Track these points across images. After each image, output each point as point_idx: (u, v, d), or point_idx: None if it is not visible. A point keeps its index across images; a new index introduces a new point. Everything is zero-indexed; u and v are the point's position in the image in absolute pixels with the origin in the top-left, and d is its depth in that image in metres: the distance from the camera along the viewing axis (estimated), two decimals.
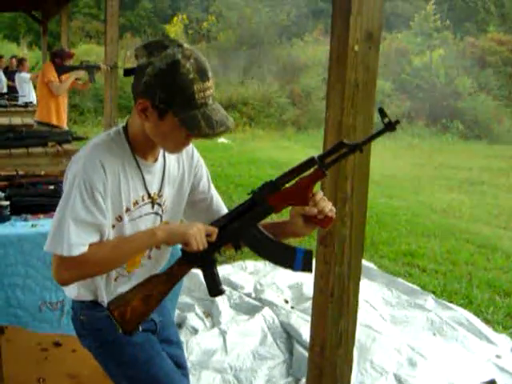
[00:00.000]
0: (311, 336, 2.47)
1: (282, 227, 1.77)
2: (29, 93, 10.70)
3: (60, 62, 6.75)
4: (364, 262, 3.17)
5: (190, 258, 1.74)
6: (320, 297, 2.37)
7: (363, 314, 3.79)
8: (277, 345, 3.63)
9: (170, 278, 1.77)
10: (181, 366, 2.05)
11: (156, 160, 1.77)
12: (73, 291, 1.83)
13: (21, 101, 9.95)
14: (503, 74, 24.95)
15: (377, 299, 4.43)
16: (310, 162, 1.59)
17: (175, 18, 28.00)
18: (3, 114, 7.98)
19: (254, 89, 21.16)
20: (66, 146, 5.08)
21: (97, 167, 1.60)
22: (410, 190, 10.27)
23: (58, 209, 1.63)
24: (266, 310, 3.99)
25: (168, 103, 1.55)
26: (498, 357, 3.67)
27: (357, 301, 2.39)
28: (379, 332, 3.79)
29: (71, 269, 1.61)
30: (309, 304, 3.68)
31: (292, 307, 4.20)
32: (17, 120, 6.93)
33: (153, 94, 1.55)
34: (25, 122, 6.82)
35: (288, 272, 4.83)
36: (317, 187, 1.63)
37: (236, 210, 1.71)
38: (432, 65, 23.30)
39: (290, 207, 1.69)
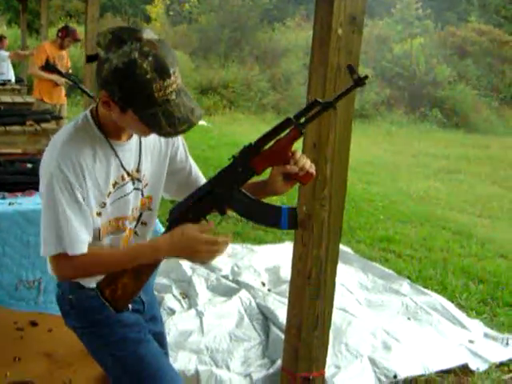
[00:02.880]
0: (288, 318, 2.50)
1: (263, 187, 1.77)
2: (7, 71, 10.54)
3: (63, 36, 6.74)
4: (341, 247, 3.19)
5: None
6: (297, 278, 2.39)
7: (339, 298, 3.82)
8: (253, 327, 3.65)
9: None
10: (162, 344, 2.06)
11: (130, 137, 1.74)
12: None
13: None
14: (483, 64, 25.08)
15: (353, 283, 4.47)
16: (286, 123, 1.62)
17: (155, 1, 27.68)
18: None
19: (234, 72, 21.05)
20: (45, 125, 5.04)
21: (73, 165, 1.59)
22: (388, 176, 10.34)
23: (45, 213, 1.63)
24: (243, 292, 4.01)
25: (126, 102, 1.52)
26: (470, 342, 3.74)
27: (334, 283, 2.42)
28: (355, 315, 3.83)
29: (77, 268, 1.65)
30: (285, 287, 3.71)
31: (269, 290, 4.22)
32: None
33: (111, 90, 1.52)
34: (3, 100, 6.75)
35: (265, 255, 4.87)
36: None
37: (218, 175, 1.69)
38: (412, 53, 23.34)
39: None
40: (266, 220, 1.70)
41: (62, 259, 1.62)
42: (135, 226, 1.85)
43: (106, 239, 1.77)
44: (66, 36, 6.79)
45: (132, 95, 1.50)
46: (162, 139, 1.83)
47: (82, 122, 1.68)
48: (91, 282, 1.77)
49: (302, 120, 1.63)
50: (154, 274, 2.07)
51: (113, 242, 1.79)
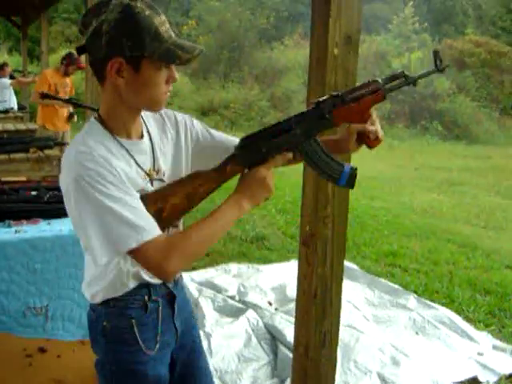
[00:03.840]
0: (295, 337, 2.50)
1: (334, 144, 1.73)
2: (10, 99, 10.62)
3: (67, 64, 6.81)
4: (346, 263, 3.20)
5: (247, 159, 1.63)
6: (303, 298, 2.39)
7: (346, 315, 3.83)
8: (261, 346, 3.66)
9: (220, 177, 1.63)
10: (200, 369, 1.96)
11: (142, 136, 1.65)
12: (98, 295, 1.69)
13: (1, 106, 9.88)
14: (481, 75, 25.17)
15: (359, 299, 4.47)
16: (373, 84, 1.63)
17: None
18: None
19: (234, 92, 21.18)
20: (48, 152, 5.08)
21: (95, 159, 1.45)
22: (391, 191, 10.35)
23: (86, 221, 1.45)
24: (250, 312, 4.02)
25: (140, 47, 1.46)
26: (479, 354, 3.73)
27: (340, 301, 2.42)
28: (362, 332, 3.83)
29: (169, 250, 1.46)
30: (292, 305, 3.71)
31: (276, 309, 4.22)
32: None
33: (120, 47, 1.46)
34: (6, 128, 6.80)
35: (271, 274, 4.87)
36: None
37: (299, 117, 1.63)
38: (411, 67, 23.43)
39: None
40: (328, 172, 1.65)
41: (148, 247, 1.45)
42: (168, 230, 1.68)
43: None
44: (70, 64, 6.86)
45: (141, 37, 1.45)
46: (175, 136, 1.76)
47: (89, 127, 1.57)
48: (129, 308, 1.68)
49: (388, 86, 1.65)
50: (189, 301, 1.97)
51: None
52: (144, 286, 1.70)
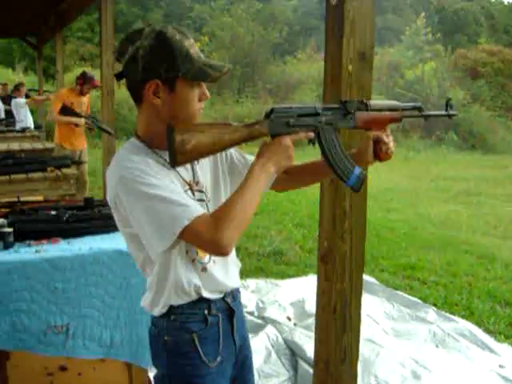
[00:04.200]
0: (315, 352, 2.50)
1: (353, 155, 1.80)
2: (26, 118, 10.75)
3: (82, 83, 6.89)
4: (364, 277, 3.19)
5: (274, 127, 1.69)
6: (323, 314, 2.39)
7: (366, 329, 3.82)
8: (281, 362, 3.65)
9: (247, 135, 1.69)
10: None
11: None
12: (159, 304, 1.74)
13: (18, 126, 10.00)
14: (495, 85, 25.12)
15: (379, 313, 4.45)
16: (394, 106, 1.82)
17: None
18: (1, 139, 8.03)
19: (249, 107, 21.27)
20: (66, 171, 5.12)
21: (137, 162, 1.58)
22: (408, 203, 10.31)
23: (138, 215, 1.55)
24: (270, 328, 4.01)
25: (174, 69, 1.59)
26: (501, 366, 3.70)
27: (359, 316, 2.41)
28: (382, 346, 3.81)
29: (218, 223, 1.50)
30: (311, 320, 3.71)
31: (295, 324, 4.21)
32: (15, 145, 6.98)
33: (156, 70, 1.59)
34: (23, 147, 6.87)
35: (289, 289, 4.87)
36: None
37: (326, 107, 1.75)
38: (424, 77, 23.42)
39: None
40: (339, 169, 1.73)
41: (198, 223, 1.50)
42: None
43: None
44: (84, 83, 6.93)
45: (175, 60, 1.59)
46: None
47: (129, 144, 1.69)
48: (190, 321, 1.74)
49: (405, 113, 1.83)
50: (245, 318, 2.01)
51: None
52: (204, 300, 1.75)
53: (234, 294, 1.89)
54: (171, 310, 1.74)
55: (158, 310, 1.76)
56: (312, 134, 1.71)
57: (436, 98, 22.47)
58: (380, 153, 1.78)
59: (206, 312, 1.76)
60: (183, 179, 1.70)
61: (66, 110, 6.66)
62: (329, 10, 2.23)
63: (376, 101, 1.80)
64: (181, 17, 35.42)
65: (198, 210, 1.54)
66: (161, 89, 1.61)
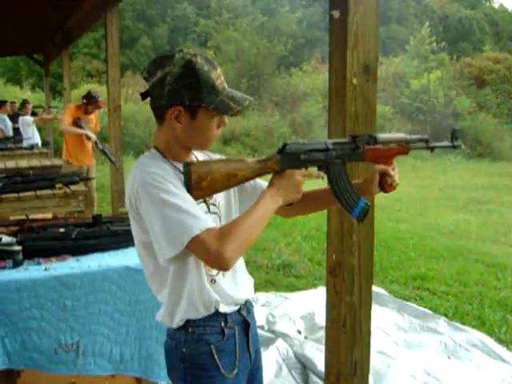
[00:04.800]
0: (326, 366, 2.49)
1: (359, 185, 1.88)
2: (33, 135, 10.80)
3: (86, 104, 6.93)
4: (374, 288, 3.20)
5: (286, 162, 1.75)
6: (332, 327, 2.39)
7: (376, 341, 3.79)
8: (292, 376, 3.63)
9: (259, 169, 1.75)
10: None
11: None
12: (177, 316, 1.78)
13: (25, 143, 10.05)
14: (501, 92, 25.10)
15: (389, 325, 4.43)
16: (402, 140, 1.86)
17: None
18: (9, 157, 8.07)
19: (255, 120, 21.31)
20: (74, 187, 5.14)
21: (155, 166, 1.66)
22: (416, 212, 10.28)
23: (153, 219, 1.61)
24: (280, 342, 4.00)
25: (198, 99, 1.66)
26: None
27: (369, 329, 2.41)
28: (393, 358, 3.79)
29: (224, 238, 1.56)
30: (322, 333, 3.69)
31: (305, 337, 4.20)
32: (23, 163, 7.02)
33: (181, 97, 1.66)
34: (31, 164, 6.90)
35: (299, 302, 4.85)
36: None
37: (337, 142, 1.82)
38: (430, 86, 23.43)
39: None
40: (345, 201, 1.82)
41: (206, 235, 1.56)
42: None
43: None
44: (88, 104, 6.96)
45: (200, 90, 1.66)
46: None
47: (150, 154, 1.76)
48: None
49: (412, 145, 1.88)
50: (257, 333, 2.04)
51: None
52: (220, 313, 1.80)
53: (248, 307, 1.94)
54: (188, 323, 1.78)
55: (175, 322, 1.79)
56: (321, 174, 1.80)
57: (442, 107, 22.48)
58: (385, 185, 1.85)
59: (222, 324, 1.81)
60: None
61: (79, 122, 6.72)
62: (332, 23, 2.24)
63: (384, 134, 1.86)
64: (186, 31, 35.63)
65: (209, 223, 1.60)
66: (183, 115, 1.68)
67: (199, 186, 1.66)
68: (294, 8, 35.33)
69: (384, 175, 1.84)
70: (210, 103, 1.66)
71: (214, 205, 1.82)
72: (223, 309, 1.80)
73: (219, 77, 1.71)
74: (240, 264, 1.91)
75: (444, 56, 27.68)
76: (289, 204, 1.78)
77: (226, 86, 1.73)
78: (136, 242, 1.79)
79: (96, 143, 6.80)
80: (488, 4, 44.72)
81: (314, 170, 1.81)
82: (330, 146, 1.79)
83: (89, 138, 6.87)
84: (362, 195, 1.84)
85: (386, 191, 1.87)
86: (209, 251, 1.55)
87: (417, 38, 28.11)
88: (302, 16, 35.80)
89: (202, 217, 1.60)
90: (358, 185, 1.88)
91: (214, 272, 1.78)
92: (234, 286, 1.85)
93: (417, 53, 27.40)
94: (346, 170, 1.81)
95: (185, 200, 1.60)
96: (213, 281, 1.78)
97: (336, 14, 2.20)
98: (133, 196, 1.67)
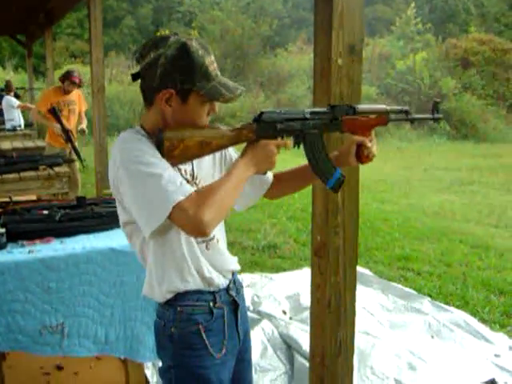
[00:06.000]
0: (311, 347, 2.50)
1: (336, 157, 1.89)
2: (18, 118, 10.66)
3: (63, 81, 6.84)
4: (359, 268, 3.22)
5: (262, 132, 1.75)
6: (317, 308, 2.39)
7: (361, 321, 3.82)
8: (277, 356, 3.66)
9: (234, 138, 1.74)
10: (244, 380, 2.06)
11: None
12: (162, 288, 1.77)
13: (9, 125, 9.95)
14: (486, 73, 25.13)
15: (374, 305, 4.46)
16: (381, 110, 1.86)
17: (158, 34, 28.03)
18: None
19: (240, 101, 21.18)
20: (58, 169, 5.10)
21: (132, 140, 1.65)
22: (401, 193, 10.33)
23: (135, 194, 1.60)
24: (265, 323, 4.02)
25: (190, 82, 1.64)
26: (496, 356, 3.72)
27: (354, 309, 2.42)
28: (378, 338, 3.83)
29: (201, 202, 1.55)
30: (307, 314, 3.71)
31: (290, 318, 4.22)
32: (6, 144, 6.96)
33: (173, 80, 1.64)
34: (14, 146, 6.84)
35: (284, 283, 4.87)
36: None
37: (314, 112, 1.81)
38: (415, 68, 23.43)
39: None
40: (321, 171, 1.81)
41: (185, 203, 1.54)
42: None
43: None
44: (64, 80, 6.85)
45: (193, 74, 1.64)
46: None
47: (131, 129, 1.75)
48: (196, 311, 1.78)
49: (392, 116, 1.87)
50: (247, 313, 2.06)
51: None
52: (208, 292, 1.81)
53: (238, 287, 1.95)
54: (177, 298, 1.77)
55: (160, 296, 1.78)
56: (290, 143, 1.79)
57: (427, 88, 22.51)
58: (362, 156, 1.85)
59: (211, 304, 1.81)
60: (178, 169, 1.75)
61: (53, 111, 6.56)
62: (317, 3, 2.22)
63: (364, 105, 1.86)
64: (170, 11, 35.30)
65: (189, 188, 1.60)
66: (173, 98, 1.66)
67: (171, 153, 1.64)
68: None
69: (361, 146, 1.83)
70: (201, 88, 1.65)
71: (192, 179, 1.80)
72: (209, 274, 1.79)
73: (213, 63, 1.69)
74: (222, 240, 1.91)
75: (430, 37, 27.63)
76: (263, 173, 1.80)
77: (219, 74, 1.71)
78: (121, 222, 1.78)
79: (65, 138, 6.67)
80: None
81: (290, 140, 1.80)
82: (308, 116, 1.79)
83: (59, 134, 6.71)
84: (340, 166, 1.83)
85: (362, 162, 1.87)
86: (188, 216, 1.54)
87: (403, 18, 28.02)
88: None
89: (183, 183, 1.60)
90: (334, 156, 1.88)
91: (199, 240, 1.77)
92: (220, 256, 1.85)
93: (403, 33, 27.34)
94: (322, 140, 1.81)
95: (164, 168, 1.59)
96: (197, 250, 1.77)
97: None
98: (113, 174, 1.66)
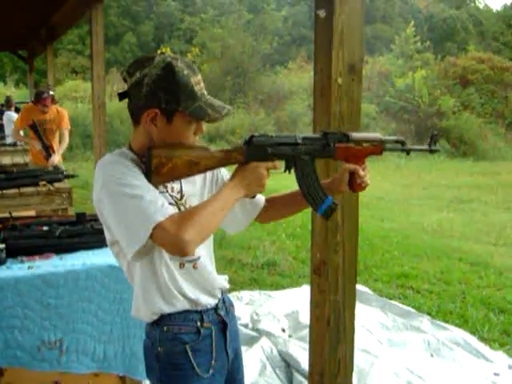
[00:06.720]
0: (310, 365, 2.49)
1: (328, 184, 1.87)
2: None
3: (35, 102, 6.59)
4: (358, 287, 3.21)
5: (252, 155, 1.73)
6: (317, 326, 2.39)
7: (360, 339, 3.81)
8: (276, 374, 3.64)
9: (222, 160, 1.73)
10: None
11: None
12: (147, 311, 1.77)
13: (10, 140, 9.96)
14: (485, 91, 25.25)
15: (373, 323, 4.45)
16: (376, 140, 1.84)
17: (159, 51, 28.17)
18: None
19: (240, 118, 21.29)
20: (58, 185, 5.12)
21: (115, 162, 1.64)
22: (400, 211, 10.33)
23: (116, 216, 1.59)
24: (264, 340, 4.00)
25: (175, 102, 1.63)
26: (496, 374, 3.71)
27: (353, 327, 2.41)
28: (377, 356, 3.81)
29: (181, 223, 1.54)
30: (306, 331, 3.70)
31: (289, 336, 4.21)
32: (7, 160, 6.98)
33: (158, 99, 1.63)
34: (15, 161, 6.86)
35: (283, 300, 4.85)
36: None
37: (307, 138, 1.79)
38: (415, 86, 23.52)
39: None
40: (312, 198, 1.80)
41: (166, 222, 1.54)
42: None
43: None
44: (37, 102, 6.57)
45: (178, 94, 1.63)
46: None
47: (118, 151, 1.74)
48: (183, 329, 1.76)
49: (387, 146, 1.86)
50: (238, 332, 2.04)
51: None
52: (195, 312, 1.79)
53: (228, 307, 1.93)
54: (163, 319, 1.76)
55: (147, 316, 1.78)
56: (285, 165, 1.78)
57: (427, 106, 22.59)
58: (354, 184, 1.83)
59: (198, 324, 1.79)
60: (165, 189, 1.75)
61: (34, 127, 6.37)
62: (318, 22, 2.24)
63: (359, 133, 1.85)
64: (171, 28, 35.54)
65: (170, 210, 1.59)
66: (159, 118, 1.65)
67: (159, 171, 1.64)
68: (279, 6, 35.36)
69: (354, 174, 1.81)
70: (186, 108, 1.64)
71: (180, 200, 1.79)
72: (195, 295, 1.78)
73: (199, 82, 1.68)
74: (209, 260, 1.89)
75: (429, 55, 27.82)
76: (252, 197, 1.79)
77: (206, 93, 1.70)
78: (108, 242, 1.78)
79: (46, 155, 6.43)
80: (473, 4, 45.01)
81: (281, 164, 1.78)
82: (300, 141, 1.77)
83: (40, 151, 6.48)
84: (331, 194, 1.82)
85: (354, 191, 1.86)
86: (169, 235, 1.53)
87: (402, 37, 28.22)
88: (288, 14, 35.83)
89: (165, 205, 1.59)
90: (327, 183, 1.87)
91: (184, 260, 1.76)
92: (208, 276, 1.84)
93: (402, 52, 27.52)
94: (314, 167, 1.79)
95: (147, 190, 1.58)
96: (178, 273, 1.76)
97: (321, 13, 2.20)
98: (97, 197, 1.65)
